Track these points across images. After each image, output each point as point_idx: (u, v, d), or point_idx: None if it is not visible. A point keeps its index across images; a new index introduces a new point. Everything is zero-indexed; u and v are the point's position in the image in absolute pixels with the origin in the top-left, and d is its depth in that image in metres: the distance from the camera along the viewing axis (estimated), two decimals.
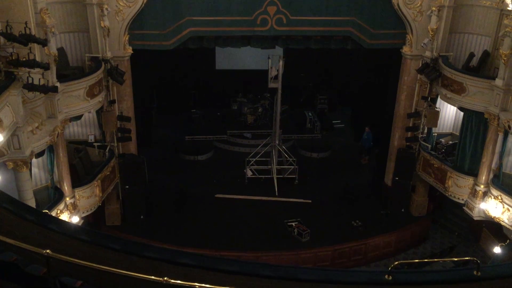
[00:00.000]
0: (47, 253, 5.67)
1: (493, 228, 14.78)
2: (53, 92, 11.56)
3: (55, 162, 12.54)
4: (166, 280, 5.53)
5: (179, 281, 5.87)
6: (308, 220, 16.19)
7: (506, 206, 13.10)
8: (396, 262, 8.03)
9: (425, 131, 16.10)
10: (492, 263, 10.17)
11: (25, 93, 10.81)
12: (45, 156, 12.22)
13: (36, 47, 11.05)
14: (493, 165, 13.74)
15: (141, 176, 16.09)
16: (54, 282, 6.00)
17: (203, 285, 6.17)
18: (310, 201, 17.53)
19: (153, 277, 5.76)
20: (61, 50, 13.41)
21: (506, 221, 13.13)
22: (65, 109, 12.60)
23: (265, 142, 19.01)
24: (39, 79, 10.80)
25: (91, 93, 13.35)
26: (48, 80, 11.43)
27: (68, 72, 13.63)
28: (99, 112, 14.57)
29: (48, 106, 12.00)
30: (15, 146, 10.49)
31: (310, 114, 23.24)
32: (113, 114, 14.73)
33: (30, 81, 10.41)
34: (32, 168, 11.97)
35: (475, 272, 7.21)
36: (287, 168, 18.52)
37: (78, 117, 13.68)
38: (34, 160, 11.78)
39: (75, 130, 15.30)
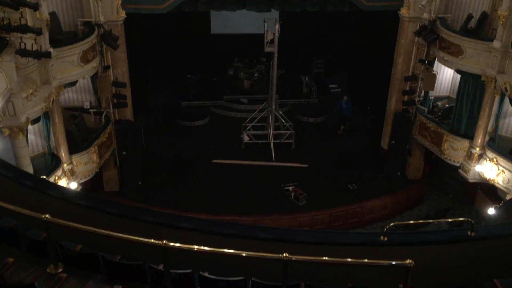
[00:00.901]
0: (46, 218, 5.73)
1: (488, 190, 14.95)
2: (46, 57, 11.42)
3: (51, 128, 12.50)
4: (165, 243, 5.60)
5: (178, 244, 5.95)
6: (305, 184, 16.33)
7: (501, 168, 13.22)
8: (391, 224, 8.17)
9: (422, 94, 16.07)
10: (486, 224, 10.34)
11: (18, 59, 10.67)
12: (41, 122, 12.18)
13: (27, 12, 10.83)
14: (489, 128, 13.80)
15: (138, 142, 16.09)
16: (55, 246, 6.08)
17: (202, 247, 6.27)
18: (306, 165, 17.62)
19: (152, 240, 5.84)
20: (53, 15, 13.15)
21: (501, 183, 13.28)
22: (59, 75, 12.47)
23: (262, 107, 18.94)
24: (32, 44, 10.65)
25: (85, 59, 13.18)
26: (41, 46, 11.26)
27: (61, 37, 13.41)
28: (94, 78, 14.44)
29: (42, 72, 11.87)
30: (10, 112, 10.43)
31: (306, 78, 23.08)
32: (108, 80, 14.60)
33: (22, 47, 10.26)
34: (29, 135, 11.94)
35: (469, 233, 7.36)
36: (284, 133, 18.54)
37: (73, 83, 13.55)
38: (30, 126, 11.73)
39: (70, 96, 15.19)
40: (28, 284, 4.99)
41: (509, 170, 13.00)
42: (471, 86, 14.12)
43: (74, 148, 13.54)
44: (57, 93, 12.44)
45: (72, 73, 12.96)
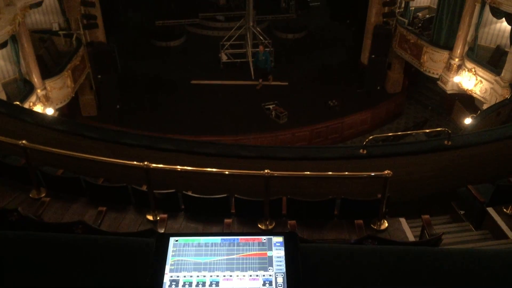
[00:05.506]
0: (23, 143, 5.63)
1: (466, 100, 15.15)
2: None
3: (20, 53, 12.00)
4: (146, 165, 5.60)
5: (160, 165, 5.95)
6: (285, 102, 16.28)
7: (479, 78, 13.31)
8: (371, 137, 8.29)
9: (403, 5, 15.70)
10: (462, 133, 10.58)
11: None
12: (9, 47, 11.65)
13: None
14: (469, 38, 13.70)
15: (113, 65, 15.63)
16: (35, 171, 6.04)
17: (185, 167, 6.29)
18: (286, 83, 17.49)
19: (134, 162, 5.82)
20: None
21: (478, 93, 13.43)
22: None
23: (239, 24, 18.35)
24: None
25: None
26: None
27: None
28: None
29: None
30: None
31: None
32: None
33: None
34: None
35: (446, 142, 7.53)
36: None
37: (39, 4, 12.80)
38: None
39: (37, 18, 14.44)
40: (11, 209, 4.98)
41: (486, 80, 13.10)
42: None
43: (47, 73, 13.10)
44: (23, 14, 11.78)
45: None
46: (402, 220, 6.24)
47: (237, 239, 1.40)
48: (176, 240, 1.41)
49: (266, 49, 17.47)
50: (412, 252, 1.53)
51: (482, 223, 6.67)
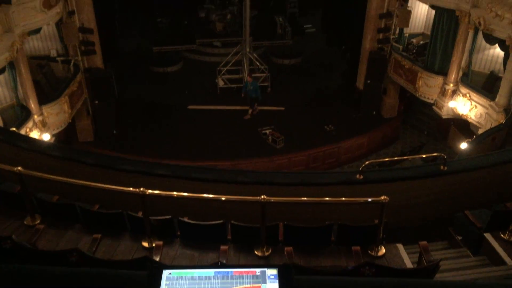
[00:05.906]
0: (19, 170, 5.61)
1: (461, 125, 15.23)
2: (6, 3, 10.84)
3: (18, 79, 12.06)
4: (142, 191, 5.57)
5: (156, 191, 5.93)
6: (282, 127, 16.34)
7: (474, 103, 13.41)
8: (367, 162, 8.30)
9: (397, 32, 15.93)
10: (458, 158, 10.60)
11: None
12: (6, 73, 11.72)
13: None
14: (463, 64, 13.86)
15: (110, 90, 15.71)
16: (30, 198, 6.00)
17: (181, 193, 6.27)
18: (283, 108, 17.57)
19: (130, 188, 5.79)
20: None
21: (474, 118, 13.52)
22: (22, 22, 11.88)
23: (236, 50, 18.56)
24: None
25: (47, 4, 12.53)
26: None
27: None
28: (58, 24, 13.82)
29: (3, 20, 11.27)
30: None
31: (280, 19, 22.55)
32: (73, 26, 14.01)
33: None
34: None
35: (441, 167, 7.55)
36: (259, 76, 18.31)
37: (37, 31, 12.95)
38: None
39: (35, 45, 14.57)
40: (5, 237, 4.93)
41: (481, 105, 13.20)
42: (445, 21, 14.02)
43: (44, 98, 13.15)
44: (21, 41, 11.89)
45: (35, 20, 12.34)
46: (400, 246, 6.19)
47: (231, 271, 1.39)
48: (169, 273, 1.40)
49: (261, 74, 17.62)
50: (407, 285, 1.51)
51: (479, 249, 6.63)
